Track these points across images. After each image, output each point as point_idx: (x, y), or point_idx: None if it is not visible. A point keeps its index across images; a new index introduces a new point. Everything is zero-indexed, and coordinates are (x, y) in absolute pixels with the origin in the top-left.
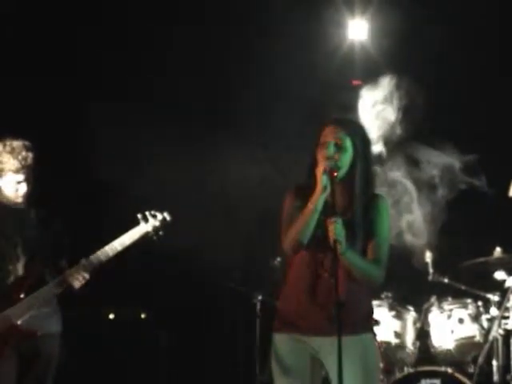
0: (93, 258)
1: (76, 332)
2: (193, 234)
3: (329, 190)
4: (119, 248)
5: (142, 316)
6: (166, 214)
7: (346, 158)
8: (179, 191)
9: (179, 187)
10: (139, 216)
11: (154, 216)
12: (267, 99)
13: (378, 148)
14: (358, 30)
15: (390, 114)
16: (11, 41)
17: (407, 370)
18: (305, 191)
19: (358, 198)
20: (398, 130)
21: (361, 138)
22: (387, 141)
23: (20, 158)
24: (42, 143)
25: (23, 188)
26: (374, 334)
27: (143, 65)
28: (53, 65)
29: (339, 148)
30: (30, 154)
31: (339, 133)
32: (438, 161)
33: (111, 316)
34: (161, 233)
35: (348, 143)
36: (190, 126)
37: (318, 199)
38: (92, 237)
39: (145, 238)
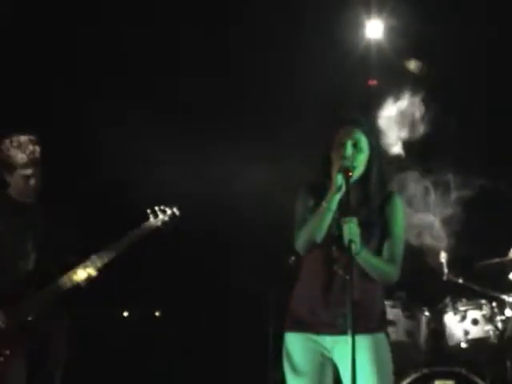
0: (103, 253)
1: (89, 330)
2: (206, 233)
3: (344, 189)
4: (129, 243)
5: (156, 314)
6: (175, 209)
7: (362, 158)
8: (193, 188)
9: (193, 184)
10: (148, 211)
11: (164, 211)
12: (282, 98)
13: (396, 149)
14: (374, 29)
15: (416, 108)
16: (13, 40)
17: (421, 370)
18: (318, 190)
19: (373, 197)
20: (421, 128)
21: (376, 138)
22: (408, 140)
23: (28, 152)
24: (45, 142)
25: (32, 183)
26: (387, 334)
27: (149, 65)
28: (54, 64)
29: (356, 148)
30: (38, 148)
31: (356, 133)
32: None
33: (125, 314)
34: (170, 228)
35: (364, 143)
36: (197, 125)
37: (333, 198)
38: (100, 233)
39: (155, 232)
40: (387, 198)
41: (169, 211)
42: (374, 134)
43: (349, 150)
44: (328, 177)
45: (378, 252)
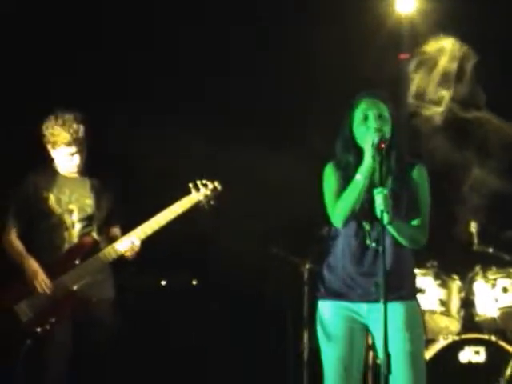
0: (145, 226)
1: (129, 298)
2: (242, 203)
3: (377, 161)
4: (171, 216)
5: (194, 283)
6: (216, 184)
7: (388, 129)
8: (227, 160)
9: (227, 157)
10: (190, 185)
11: (205, 185)
12: (312, 74)
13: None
14: (404, 3)
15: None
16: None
17: (452, 337)
18: (345, 166)
19: (400, 166)
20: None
21: (394, 108)
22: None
23: (71, 130)
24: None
25: (76, 159)
26: (418, 301)
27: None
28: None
29: (382, 119)
30: (81, 127)
31: (379, 104)
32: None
33: (163, 283)
34: (212, 202)
35: (387, 114)
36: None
37: (367, 171)
38: (144, 205)
39: (196, 206)
40: (412, 167)
41: (210, 185)
42: (392, 104)
43: (377, 121)
44: (353, 151)
45: (406, 219)
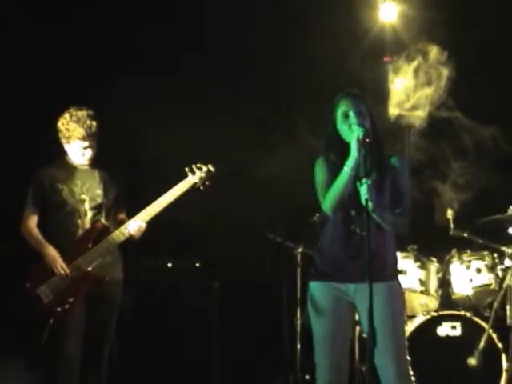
0: (149, 208)
1: (138, 279)
2: (241, 194)
3: (362, 154)
4: (172, 198)
5: (197, 265)
6: (210, 166)
7: (368, 124)
8: (231, 149)
9: (231, 144)
10: (186, 169)
11: (200, 168)
12: (299, 78)
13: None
14: (388, 12)
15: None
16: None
17: (431, 313)
18: (332, 158)
19: (381, 158)
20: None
21: (371, 105)
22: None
23: (85, 126)
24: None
25: (89, 153)
26: (399, 281)
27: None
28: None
29: (361, 115)
30: (94, 123)
31: (357, 102)
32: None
33: (169, 265)
34: (207, 183)
35: (365, 110)
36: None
37: (354, 164)
38: (145, 191)
39: (193, 188)
40: (392, 159)
41: (204, 168)
42: (368, 101)
43: (358, 118)
44: (338, 147)
45: (389, 207)
